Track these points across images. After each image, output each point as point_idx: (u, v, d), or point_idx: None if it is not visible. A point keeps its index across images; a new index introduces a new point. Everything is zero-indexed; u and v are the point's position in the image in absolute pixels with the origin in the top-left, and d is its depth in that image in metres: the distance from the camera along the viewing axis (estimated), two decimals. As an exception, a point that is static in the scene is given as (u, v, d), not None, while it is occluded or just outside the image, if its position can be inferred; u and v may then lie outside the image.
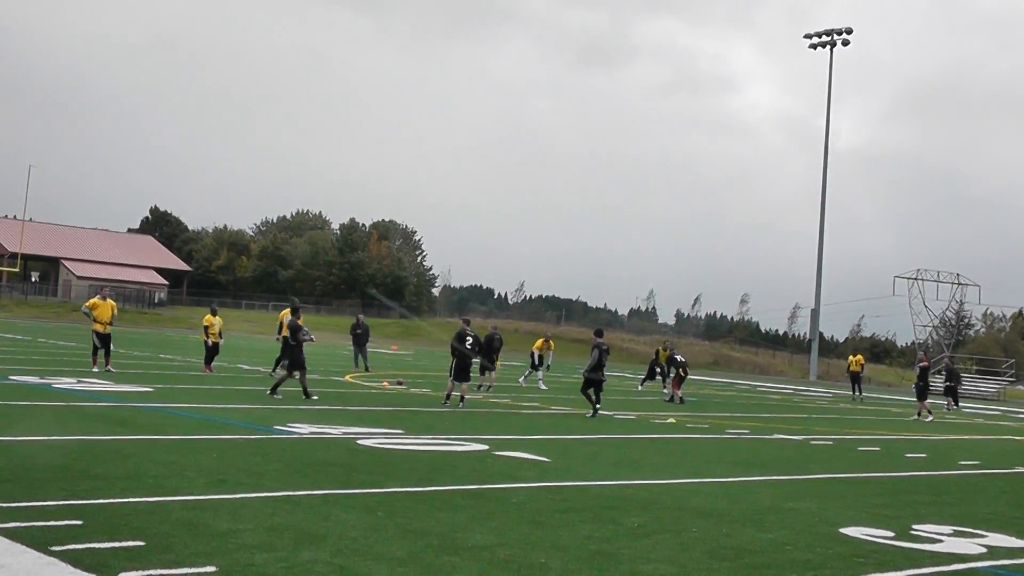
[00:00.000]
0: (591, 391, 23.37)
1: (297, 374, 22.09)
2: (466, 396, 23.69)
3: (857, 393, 43.95)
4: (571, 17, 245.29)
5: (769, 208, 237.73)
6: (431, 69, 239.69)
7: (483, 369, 29.18)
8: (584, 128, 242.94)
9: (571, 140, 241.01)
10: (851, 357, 46.16)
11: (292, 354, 22.25)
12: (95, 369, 25.72)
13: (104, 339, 26.33)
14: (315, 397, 21.86)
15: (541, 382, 33.94)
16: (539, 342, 35.36)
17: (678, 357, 32.14)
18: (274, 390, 21.88)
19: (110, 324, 26.64)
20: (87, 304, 27.48)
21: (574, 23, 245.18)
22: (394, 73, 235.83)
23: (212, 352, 28.88)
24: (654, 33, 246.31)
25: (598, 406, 23.29)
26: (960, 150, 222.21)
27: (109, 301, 27.22)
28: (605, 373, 23.90)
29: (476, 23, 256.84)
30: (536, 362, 34.68)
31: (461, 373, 23.22)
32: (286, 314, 29.39)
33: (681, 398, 30.86)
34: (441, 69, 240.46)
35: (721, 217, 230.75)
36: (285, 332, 28.25)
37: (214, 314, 29.29)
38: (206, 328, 29.11)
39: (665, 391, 33.47)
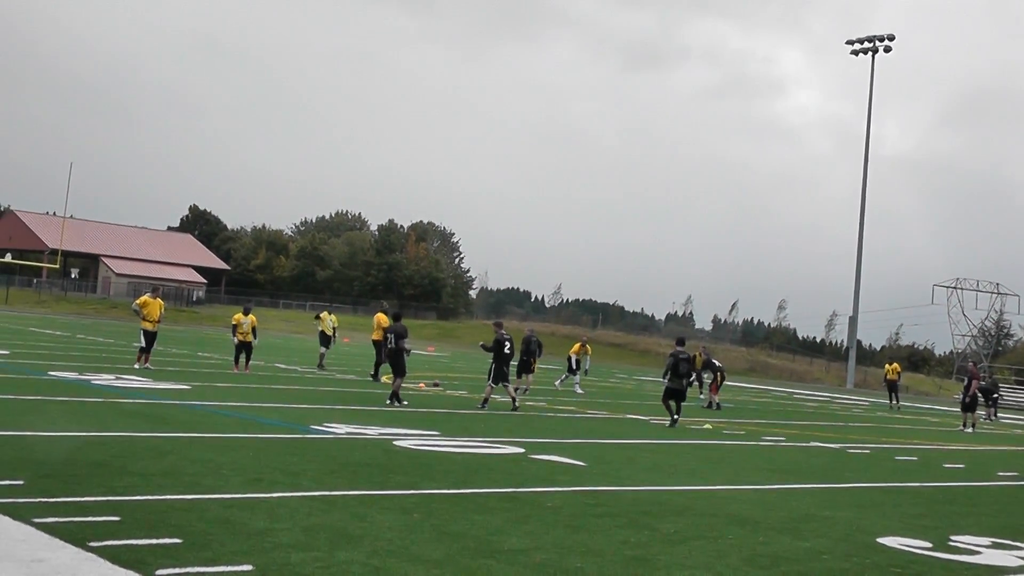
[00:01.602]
0: (671, 401, 22.81)
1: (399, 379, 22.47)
2: (517, 398, 23.80)
3: (894, 402, 43.59)
4: (620, 19, 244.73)
5: (812, 214, 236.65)
6: (476, 70, 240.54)
7: (520, 372, 29.17)
8: (628, 131, 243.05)
9: (615, 143, 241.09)
10: (887, 365, 45.77)
11: (396, 359, 22.49)
12: (136, 366, 25.87)
13: (150, 337, 26.53)
14: (406, 403, 22.01)
15: (577, 386, 33.90)
16: (576, 346, 35.35)
17: (715, 362, 32.05)
18: (393, 399, 22.06)
19: (158, 322, 26.85)
20: (138, 302, 27.62)
21: (622, 24, 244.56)
22: (438, 74, 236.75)
23: (239, 351, 28.94)
24: (703, 35, 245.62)
25: (677, 416, 22.75)
26: (1009, 157, 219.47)
27: (159, 300, 27.39)
28: (686, 383, 23.47)
29: (523, 24, 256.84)
30: (573, 366, 34.64)
31: (499, 376, 23.24)
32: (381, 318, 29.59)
33: (718, 404, 30.74)
34: (486, 70, 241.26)
35: (763, 222, 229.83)
36: (377, 335, 28.62)
37: (246, 313, 29.22)
38: (234, 327, 29.11)
39: (702, 396, 33.35)
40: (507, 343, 23.40)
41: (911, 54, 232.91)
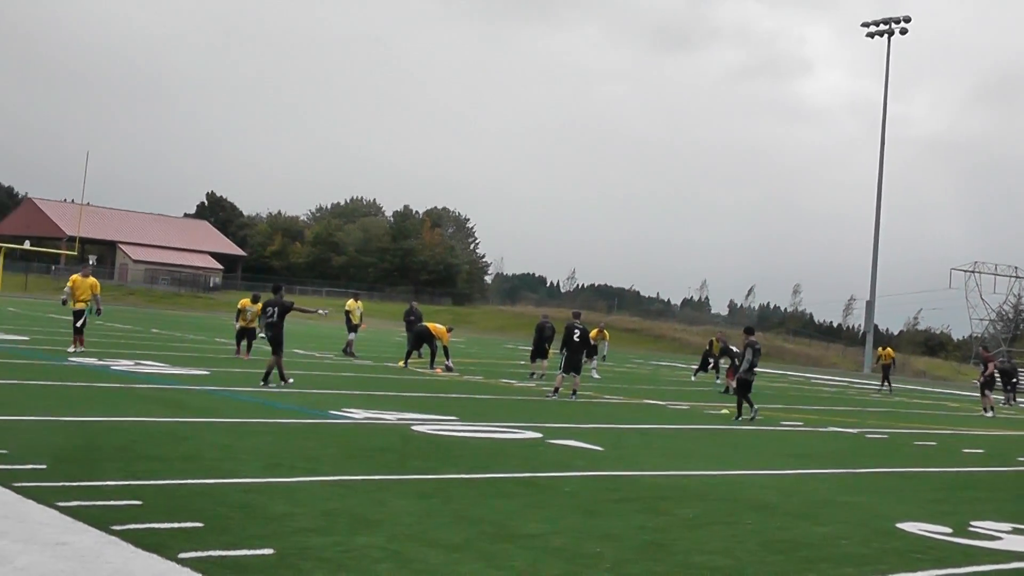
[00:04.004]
0: (747, 393, 21.86)
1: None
2: (578, 389, 23.79)
3: (885, 385, 43.30)
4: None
5: (835, 197, 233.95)
6: (496, 53, 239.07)
7: (534, 357, 29.21)
8: (650, 114, 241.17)
9: (636, 126, 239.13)
10: (881, 350, 45.59)
11: (277, 335, 20.45)
12: (70, 349, 24.93)
13: (76, 315, 25.62)
14: (291, 381, 20.38)
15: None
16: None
17: (733, 348, 31.98)
18: (266, 379, 20.15)
19: (85, 303, 25.81)
20: (68, 283, 26.60)
21: (649, 4, 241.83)
22: (457, 56, 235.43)
23: (241, 336, 28.73)
24: (731, 14, 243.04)
25: (755, 407, 21.76)
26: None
27: (90, 279, 26.52)
28: (755, 372, 22.15)
29: (545, 4, 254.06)
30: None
31: (571, 365, 23.32)
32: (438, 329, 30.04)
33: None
34: (506, 53, 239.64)
35: (783, 206, 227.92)
36: (435, 326, 29.04)
37: (254, 301, 28.90)
38: (238, 311, 28.98)
39: (718, 381, 33.32)
40: (577, 331, 23.46)
41: (943, 32, 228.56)
